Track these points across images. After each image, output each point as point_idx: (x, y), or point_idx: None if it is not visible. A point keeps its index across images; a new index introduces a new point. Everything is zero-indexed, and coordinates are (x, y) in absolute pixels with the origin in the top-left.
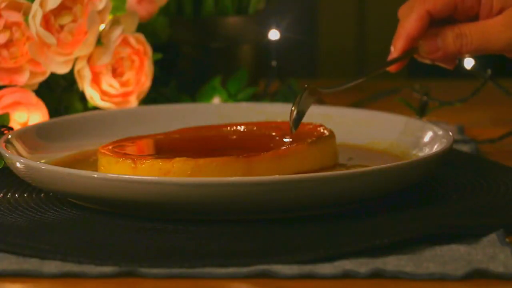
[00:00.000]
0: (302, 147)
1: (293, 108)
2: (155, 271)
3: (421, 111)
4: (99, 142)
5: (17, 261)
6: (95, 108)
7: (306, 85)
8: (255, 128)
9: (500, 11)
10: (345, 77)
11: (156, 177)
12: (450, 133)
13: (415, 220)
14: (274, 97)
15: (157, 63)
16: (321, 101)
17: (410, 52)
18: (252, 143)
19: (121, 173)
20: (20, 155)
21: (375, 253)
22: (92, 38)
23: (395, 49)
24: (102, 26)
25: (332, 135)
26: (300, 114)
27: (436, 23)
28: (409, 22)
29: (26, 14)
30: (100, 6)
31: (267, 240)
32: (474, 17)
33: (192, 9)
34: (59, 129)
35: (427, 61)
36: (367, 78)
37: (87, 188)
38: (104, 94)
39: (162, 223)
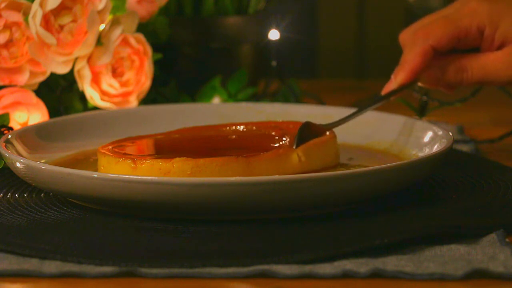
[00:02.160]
0: (302, 147)
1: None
2: (155, 271)
3: (421, 111)
4: (99, 142)
5: (17, 261)
6: (95, 108)
7: (304, 123)
8: (255, 128)
9: (500, 46)
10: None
11: (156, 177)
12: (450, 133)
13: (415, 220)
14: (274, 97)
15: (157, 63)
16: (321, 101)
17: (410, 83)
18: (252, 143)
19: (121, 173)
20: (20, 155)
21: (375, 253)
22: (92, 38)
23: (396, 81)
24: (102, 26)
25: (332, 135)
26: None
27: (439, 54)
28: (412, 57)
29: (26, 14)
30: (100, 6)
31: (267, 240)
32: (476, 49)
33: (192, 9)
34: (59, 129)
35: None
36: (363, 111)
37: (87, 188)
38: (104, 94)
39: (162, 223)
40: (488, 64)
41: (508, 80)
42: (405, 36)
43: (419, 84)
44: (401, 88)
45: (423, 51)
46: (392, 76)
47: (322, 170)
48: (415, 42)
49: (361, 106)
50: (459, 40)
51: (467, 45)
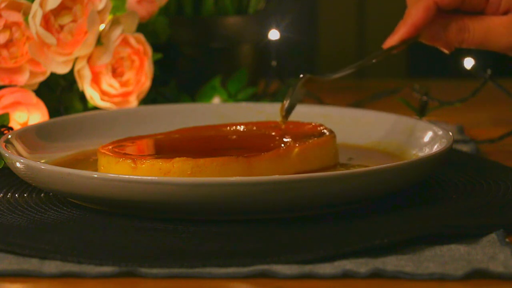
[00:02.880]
0: (302, 147)
1: (284, 101)
2: (155, 271)
3: (421, 111)
4: (99, 142)
5: (17, 261)
6: (95, 108)
7: (301, 75)
8: (255, 128)
9: (506, 11)
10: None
11: (156, 177)
12: (450, 133)
13: (415, 220)
14: (274, 97)
15: (157, 63)
16: (321, 101)
17: (411, 38)
18: (252, 143)
19: (121, 173)
20: (20, 155)
21: (375, 253)
22: (92, 38)
23: (398, 34)
24: (102, 26)
25: (332, 135)
26: (292, 104)
27: (442, 12)
28: (415, 11)
29: (26, 14)
30: (100, 6)
31: (267, 240)
32: (480, 12)
33: (192, 9)
34: (59, 129)
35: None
36: (365, 63)
37: (87, 188)
38: (104, 94)
39: (162, 223)
40: (491, 27)
41: (509, 46)
42: None
43: (421, 40)
44: (402, 42)
45: (426, 6)
46: (395, 30)
47: (322, 170)
48: None
49: (363, 59)
50: (463, 0)
51: (472, 7)
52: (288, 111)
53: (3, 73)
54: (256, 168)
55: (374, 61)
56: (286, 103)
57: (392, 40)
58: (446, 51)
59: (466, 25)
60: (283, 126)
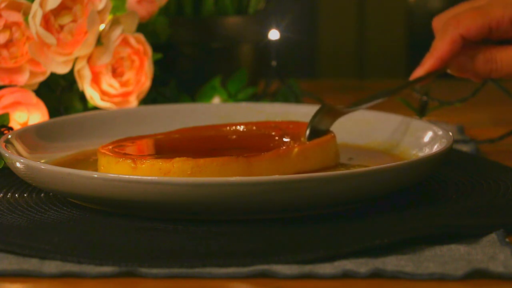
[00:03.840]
0: (302, 147)
1: (307, 130)
2: (155, 271)
3: (421, 111)
4: (99, 142)
5: (17, 261)
6: (95, 108)
7: (323, 105)
8: (255, 128)
9: None
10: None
11: (156, 177)
12: (450, 133)
13: (415, 220)
14: (274, 97)
15: (157, 63)
16: (321, 101)
17: (438, 70)
18: (252, 143)
19: (121, 173)
20: (20, 155)
21: (375, 253)
22: (92, 38)
23: (423, 67)
24: (102, 26)
25: (332, 135)
26: (315, 132)
27: (469, 43)
28: (441, 44)
29: (26, 14)
30: (100, 6)
31: (267, 240)
32: (509, 41)
33: (192, 9)
34: (59, 129)
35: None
36: (388, 95)
37: (87, 188)
38: (104, 94)
39: (162, 223)
40: None
41: None
42: (437, 23)
43: (449, 71)
44: (429, 75)
45: (452, 40)
46: (421, 63)
47: (322, 170)
48: (446, 30)
49: (386, 90)
50: (490, 30)
51: (499, 36)
52: (311, 138)
53: (3, 73)
54: (256, 168)
55: (398, 92)
56: (307, 130)
57: (418, 73)
58: (476, 81)
59: (494, 56)
60: (291, 124)
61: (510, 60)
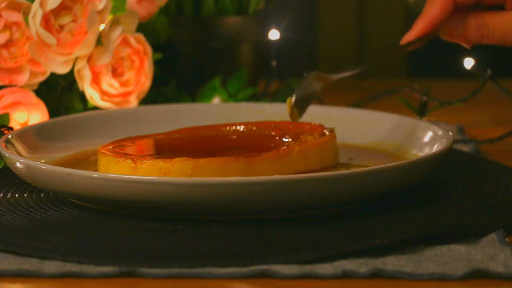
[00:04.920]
0: (302, 147)
1: (291, 97)
2: (155, 271)
3: (421, 111)
4: (99, 142)
5: (17, 261)
6: (95, 108)
7: (311, 72)
8: (255, 128)
9: None
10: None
11: (156, 177)
12: (450, 133)
13: (415, 220)
14: (274, 97)
15: (157, 63)
16: (321, 101)
17: (429, 35)
18: (252, 143)
19: (121, 173)
20: (20, 155)
21: (375, 253)
22: (92, 38)
23: (414, 31)
24: (102, 26)
25: (332, 135)
26: (304, 98)
27: (461, 8)
28: (432, 8)
29: (26, 14)
30: (100, 6)
31: (267, 240)
32: (500, 7)
33: (192, 9)
34: (59, 129)
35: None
36: (378, 60)
37: (87, 188)
38: (104, 94)
39: (162, 223)
40: (511, 23)
41: None
42: None
43: (440, 36)
44: (419, 38)
45: (443, 4)
46: (412, 27)
47: (322, 170)
48: None
49: (379, 55)
50: None
51: (491, 1)
52: (299, 105)
53: (3, 73)
54: (256, 168)
55: (390, 56)
56: (293, 98)
57: (409, 37)
58: (466, 47)
59: (485, 21)
60: (291, 124)
61: (502, 26)
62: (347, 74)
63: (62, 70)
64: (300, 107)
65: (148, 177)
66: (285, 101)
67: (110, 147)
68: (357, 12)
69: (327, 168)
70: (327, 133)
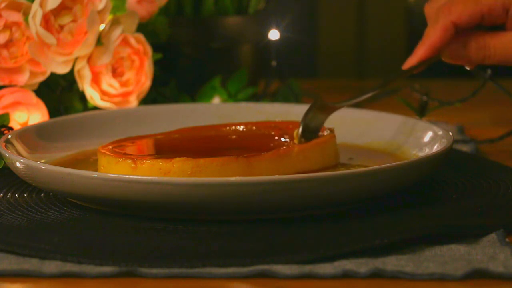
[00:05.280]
0: (302, 147)
1: (299, 129)
2: (155, 271)
3: (421, 111)
4: (99, 142)
5: (17, 261)
6: (95, 108)
7: (314, 100)
8: (255, 128)
9: None
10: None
11: (156, 177)
12: (450, 133)
13: (415, 220)
14: (274, 97)
15: (157, 63)
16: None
17: (432, 58)
18: (252, 143)
19: (121, 173)
20: (20, 155)
21: (375, 253)
22: (92, 38)
23: (416, 55)
24: (102, 26)
25: (332, 135)
26: (308, 129)
27: (461, 30)
28: (433, 32)
29: (26, 14)
30: (100, 6)
31: (267, 240)
32: (501, 27)
33: (192, 9)
34: (59, 129)
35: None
36: (382, 86)
37: (87, 188)
38: (104, 94)
39: (162, 223)
40: (511, 43)
41: None
42: (430, 10)
43: (443, 59)
44: (422, 63)
45: (444, 27)
46: (413, 51)
47: (322, 170)
48: (438, 17)
49: (382, 82)
50: (482, 17)
51: (492, 22)
52: (306, 136)
53: (3, 73)
54: (256, 168)
55: (392, 81)
56: (300, 127)
57: (411, 61)
58: (469, 68)
59: (487, 43)
60: (291, 124)
61: (503, 46)
62: (349, 103)
63: (62, 70)
64: (307, 138)
65: (148, 177)
66: (285, 101)
67: (110, 147)
68: (357, 12)
69: (327, 168)
70: (327, 133)
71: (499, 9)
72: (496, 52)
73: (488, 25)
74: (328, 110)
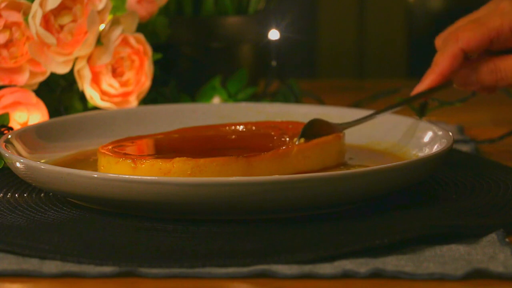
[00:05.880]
0: (302, 147)
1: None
2: (155, 271)
3: (421, 111)
4: (99, 142)
5: (17, 261)
6: (95, 108)
7: (314, 120)
8: (254, 128)
9: None
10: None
11: (156, 177)
12: (450, 133)
13: (415, 220)
14: (274, 97)
15: (157, 63)
16: (321, 101)
17: (442, 86)
18: (252, 143)
19: (121, 173)
20: (20, 155)
21: (375, 253)
22: (92, 38)
23: (424, 83)
24: (102, 26)
25: (335, 135)
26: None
27: (472, 55)
28: (442, 59)
29: (26, 14)
30: (100, 6)
31: (267, 240)
32: (511, 49)
33: (192, 9)
34: (59, 129)
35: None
36: (387, 110)
37: (87, 188)
38: (104, 94)
39: (162, 223)
40: None
41: None
42: (439, 40)
43: (454, 86)
44: (431, 90)
45: (452, 54)
46: (422, 79)
47: (323, 170)
48: (446, 45)
49: (386, 107)
50: (491, 41)
51: (500, 46)
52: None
53: (3, 73)
54: (256, 168)
55: (395, 109)
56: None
57: (419, 88)
58: (487, 94)
59: (497, 66)
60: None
61: None
62: (348, 125)
63: (62, 70)
64: (307, 138)
65: (148, 177)
66: (285, 101)
67: (110, 147)
68: (357, 12)
69: (328, 168)
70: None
71: (507, 32)
72: (507, 74)
73: (496, 49)
74: (326, 129)
